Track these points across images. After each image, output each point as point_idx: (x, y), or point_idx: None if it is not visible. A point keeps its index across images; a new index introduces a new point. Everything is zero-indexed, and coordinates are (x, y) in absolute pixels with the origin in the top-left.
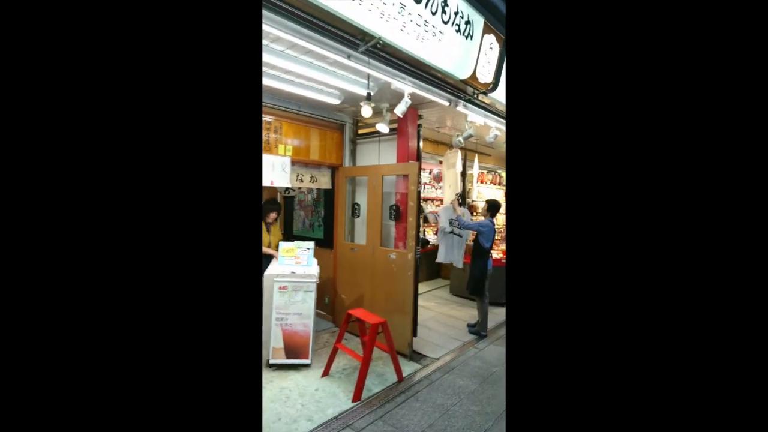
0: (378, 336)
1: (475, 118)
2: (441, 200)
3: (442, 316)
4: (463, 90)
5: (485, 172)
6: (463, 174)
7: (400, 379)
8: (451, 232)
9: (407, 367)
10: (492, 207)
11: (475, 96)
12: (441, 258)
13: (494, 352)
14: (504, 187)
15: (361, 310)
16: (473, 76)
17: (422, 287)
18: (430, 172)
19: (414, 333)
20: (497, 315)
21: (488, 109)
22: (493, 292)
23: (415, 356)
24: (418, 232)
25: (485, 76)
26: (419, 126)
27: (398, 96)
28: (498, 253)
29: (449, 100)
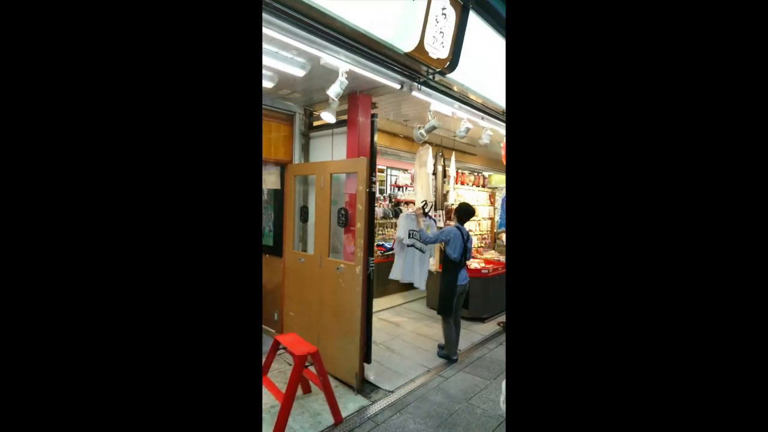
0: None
1: (441, 107)
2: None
3: (411, 335)
4: (417, 70)
5: (466, 172)
6: (435, 174)
7: (338, 421)
8: (412, 245)
9: (352, 404)
10: (461, 212)
11: (431, 76)
12: (396, 275)
13: (461, 383)
14: (488, 190)
15: (292, 336)
16: (420, 48)
17: (397, 299)
18: (411, 174)
19: (366, 359)
20: (475, 333)
21: (455, 96)
22: (473, 305)
23: (366, 388)
24: (370, 240)
25: (438, 49)
26: (374, 116)
27: (350, 79)
28: (479, 262)
29: (401, 83)
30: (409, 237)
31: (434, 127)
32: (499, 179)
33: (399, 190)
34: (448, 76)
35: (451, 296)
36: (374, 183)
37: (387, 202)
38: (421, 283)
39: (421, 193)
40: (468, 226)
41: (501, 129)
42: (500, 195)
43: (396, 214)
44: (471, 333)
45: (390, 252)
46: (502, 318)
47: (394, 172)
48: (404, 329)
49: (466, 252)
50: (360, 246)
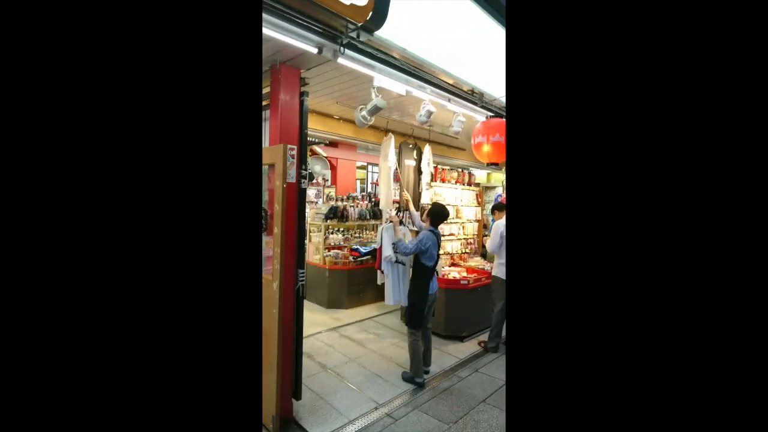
0: None
1: (391, 84)
2: (397, 203)
3: (371, 358)
4: (334, 27)
5: (447, 168)
6: (399, 168)
7: None
8: (397, 261)
9: None
10: (434, 215)
11: (355, 35)
12: (390, 299)
13: (413, 428)
14: (475, 188)
15: None
16: None
17: (370, 311)
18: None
19: (295, 395)
20: (449, 355)
21: (411, 72)
22: (450, 321)
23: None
24: (299, 249)
25: None
26: (303, 94)
27: (274, 46)
28: (461, 271)
29: (318, 45)
30: (393, 252)
31: (378, 108)
32: (496, 178)
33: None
34: (401, 45)
35: (423, 307)
36: (304, 178)
37: (366, 202)
38: (405, 297)
39: (386, 192)
40: (450, 229)
41: (476, 115)
42: (491, 196)
43: (374, 215)
44: (444, 355)
45: (364, 258)
46: (484, 336)
47: (377, 168)
48: (366, 349)
49: (439, 258)
50: (277, 256)
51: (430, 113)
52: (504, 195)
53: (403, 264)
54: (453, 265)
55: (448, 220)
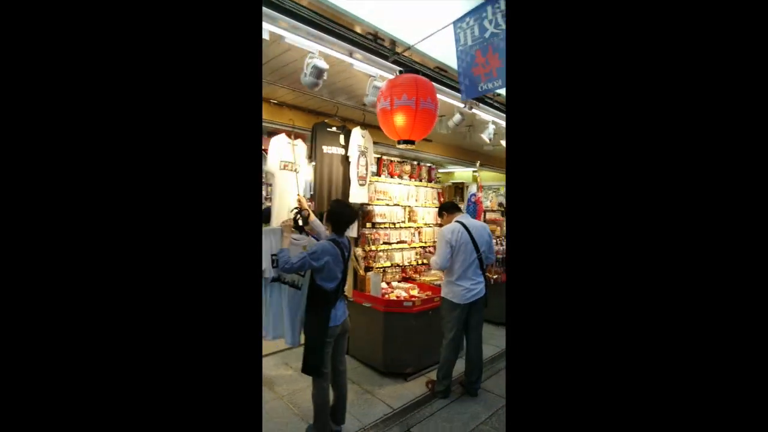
0: None
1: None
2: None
3: (272, 406)
4: None
5: (397, 160)
6: (314, 155)
7: None
8: (278, 279)
9: None
10: (333, 217)
11: None
12: (267, 332)
13: None
14: (437, 186)
15: None
16: None
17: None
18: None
19: None
20: (380, 402)
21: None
22: (391, 354)
23: None
24: None
25: None
26: None
27: None
28: (412, 288)
29: None
30: (273, 266)
31: None
32: (485, 177)
33: None
34: None
35: (322, 345)
36: None
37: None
38: (294, 335)
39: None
40: (401, 235)
41: (387, 73)
42: (468, 195)
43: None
44: (373, 401)
45: None
46: (434, 373)
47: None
48: (272, 393)
49: (345, 277)
50: None
51: (319, 71)
52: (478, 195)
53: (297, 287)
54: (405, 280)
55: (398, 225)
